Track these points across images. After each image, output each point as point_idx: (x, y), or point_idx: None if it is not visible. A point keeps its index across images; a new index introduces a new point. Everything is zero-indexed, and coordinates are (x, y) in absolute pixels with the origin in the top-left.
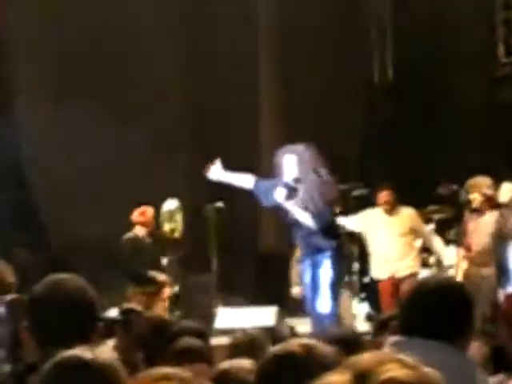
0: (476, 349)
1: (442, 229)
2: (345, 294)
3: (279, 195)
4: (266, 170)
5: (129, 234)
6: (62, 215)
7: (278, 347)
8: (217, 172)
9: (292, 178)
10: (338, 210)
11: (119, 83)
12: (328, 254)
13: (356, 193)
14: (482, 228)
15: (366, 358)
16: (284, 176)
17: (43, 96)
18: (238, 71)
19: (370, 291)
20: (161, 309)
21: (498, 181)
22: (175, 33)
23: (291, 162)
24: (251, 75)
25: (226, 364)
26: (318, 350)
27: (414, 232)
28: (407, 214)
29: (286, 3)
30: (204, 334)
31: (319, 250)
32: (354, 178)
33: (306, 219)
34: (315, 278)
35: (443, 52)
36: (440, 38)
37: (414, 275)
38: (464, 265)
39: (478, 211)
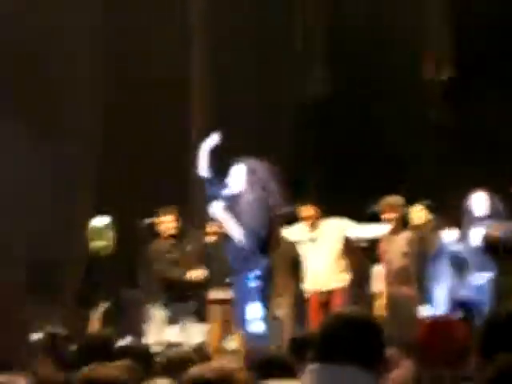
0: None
1: (374, 248)
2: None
3: (217, 208)
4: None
5: None
6: None
7: (194, 371)
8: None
9: (235, 190)
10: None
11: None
12: (258, 273)
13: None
14: (393, 248)
15: None
16: (228, 186)
17: None
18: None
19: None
20: None
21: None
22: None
23: (239, 173)
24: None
25: None
26: (232, 376)
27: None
28: (332, 225)
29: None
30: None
31: (249, 269)
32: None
33: (239, 235)
34: (245, 297)
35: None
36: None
37: (342, 290)
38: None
39: (391, 231)
